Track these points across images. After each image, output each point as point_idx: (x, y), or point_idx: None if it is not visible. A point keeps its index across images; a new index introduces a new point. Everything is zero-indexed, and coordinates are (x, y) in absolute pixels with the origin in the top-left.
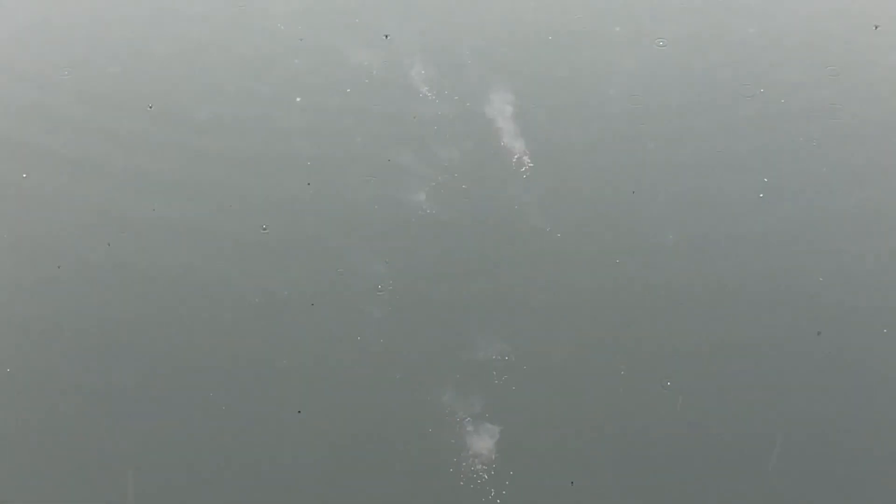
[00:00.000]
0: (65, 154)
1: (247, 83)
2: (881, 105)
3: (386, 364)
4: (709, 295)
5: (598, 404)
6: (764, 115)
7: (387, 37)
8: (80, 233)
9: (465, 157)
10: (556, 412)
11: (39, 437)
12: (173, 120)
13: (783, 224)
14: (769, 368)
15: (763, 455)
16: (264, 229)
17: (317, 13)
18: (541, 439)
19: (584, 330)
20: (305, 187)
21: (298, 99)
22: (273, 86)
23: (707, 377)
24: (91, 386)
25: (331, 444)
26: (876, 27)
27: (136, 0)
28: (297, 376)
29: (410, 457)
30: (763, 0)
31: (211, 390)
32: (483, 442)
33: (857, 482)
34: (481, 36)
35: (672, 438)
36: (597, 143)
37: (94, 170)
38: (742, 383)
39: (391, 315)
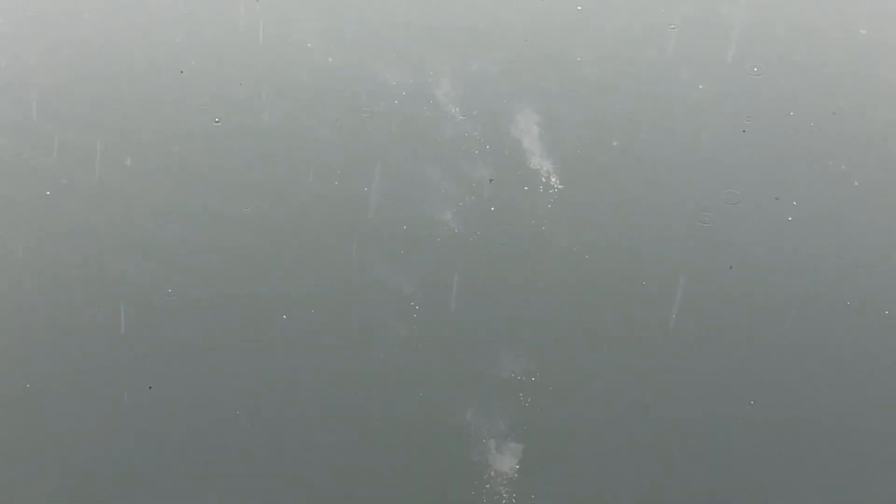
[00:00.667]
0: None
1: (273, 98)
2: None
3: (410, 382)
4: (736, 318)
5: (625, 427)
6: (776, 130)
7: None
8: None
9: (493, 177)
10: (581, 434)
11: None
12: (212, 134)
13: (807, 243)
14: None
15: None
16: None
17: (344, 32)
18: (565, 461)
19: (611, 352)
20: (332, 203)
21: (335, 118)
22: (299, 102)
23: (732, 404)
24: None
25: (352, 462)
26: None
27: (175, 22)
28: (319, 393)
29: (433, 475)
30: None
31: (235, 405)
32: (506, 462)
33: None
34: (509, 55)
35: (700, 461)
36: (625, 164)
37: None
38: (782, 419)
39: (416, 333)
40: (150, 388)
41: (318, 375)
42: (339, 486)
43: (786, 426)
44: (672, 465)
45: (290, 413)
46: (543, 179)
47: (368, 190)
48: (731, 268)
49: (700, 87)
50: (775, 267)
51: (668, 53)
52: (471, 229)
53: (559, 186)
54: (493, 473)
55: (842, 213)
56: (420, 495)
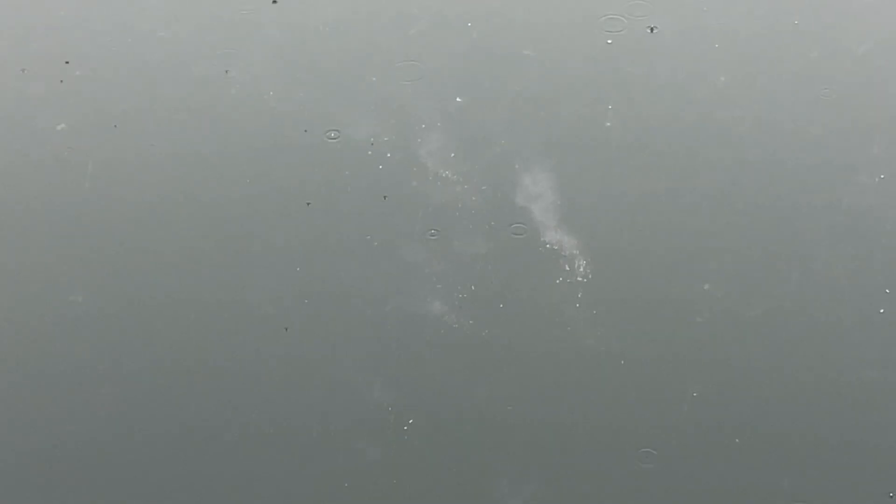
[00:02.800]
0: None
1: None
2: None
3: None
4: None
5: None
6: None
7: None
8: None
9: (496, 258)
10: None
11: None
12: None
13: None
14: None
15: None
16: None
17: (306, 74)
18: None
19: (644, 479)
20: (290, 295)
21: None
22: (250, 160)
23: None
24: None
25: None
26: None
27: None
28: None
29: None
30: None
31: None
32: None
33: None
34: (512, 107)
35: None
36: (665, 240)
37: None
38: None
39: (391, 456)
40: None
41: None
42: None
43: None
44: None
45: None
46: (567, 266)
47: (339, 277)
48: None
49: (739, 137)
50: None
51: (709, 106)
52: (469, 324)
53: (588, 275)
54: None
55: None
56: None
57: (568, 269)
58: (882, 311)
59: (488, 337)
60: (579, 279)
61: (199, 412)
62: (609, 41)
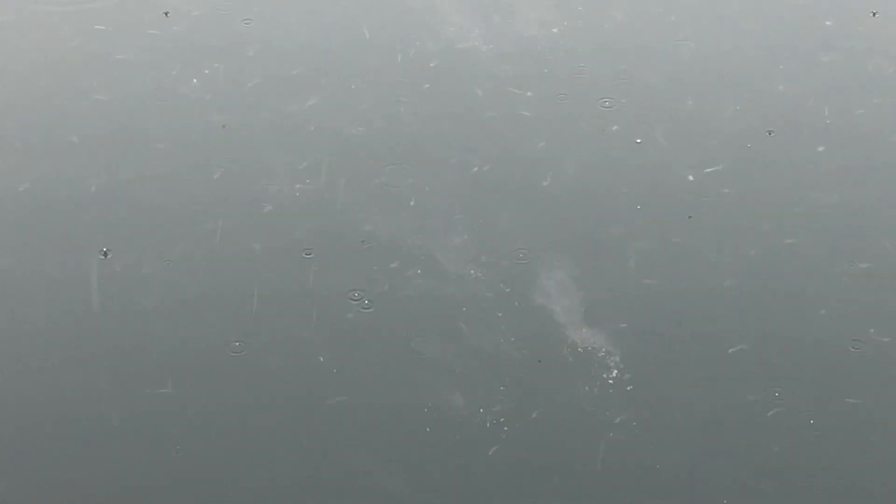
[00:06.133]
0: None
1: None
2: None
3: None
4: None
5: None
6: None
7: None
8: None
9: (519, 361)
10: None
11: None
12: None
13: None
14: None
15: None
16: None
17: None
18: None
19: None
20: (310, 379)
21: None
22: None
23: None
24: None
25: None
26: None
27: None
28: None
29: None
30: None
31: None
32: None
33: None
34: (525, 192)
35: None
36: (709, 337)
37: None
38: None
39: None
40: None
41: None
42: None
43: None
44: None
45: None
46: (603, 373)
47: (354, 383)
48: None
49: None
50: None
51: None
52: (507, 450)
53: (629, 385)
54: None
55: None
56: None
57: (605, 375)
58: None
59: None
60: (618, 385)
61: None
62: (638, 140)
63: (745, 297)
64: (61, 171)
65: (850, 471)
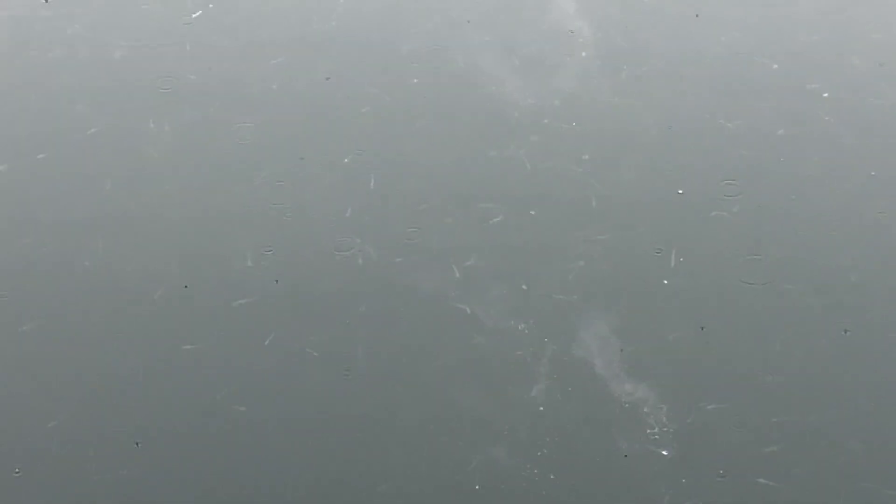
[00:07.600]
0: None
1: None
2: None
3: None
4: None
5: None
6: None
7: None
8: None
9: (567, 422)
10: None
11: None
12: None
13: None
14: None
15: None
16: None
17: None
18: None
19: None
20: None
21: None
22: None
23: None
24: None
25: None
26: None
27: None
28: None
29: None
30: None
31: None
32: None
33: None
34: (563, 257)
35: None
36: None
37: None
38: None
39: None
40: None
41: None
42: None
43: None
44: None
45: None
46: (655, 436)
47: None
48: None
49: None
50: None
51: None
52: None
53: (667, 428)
54: None
55: None
56: None
57: (657, 437)
58: None
59: None
60: (670, 445)
61: None
62: (680, 191)
63: None
64: None
65: None
